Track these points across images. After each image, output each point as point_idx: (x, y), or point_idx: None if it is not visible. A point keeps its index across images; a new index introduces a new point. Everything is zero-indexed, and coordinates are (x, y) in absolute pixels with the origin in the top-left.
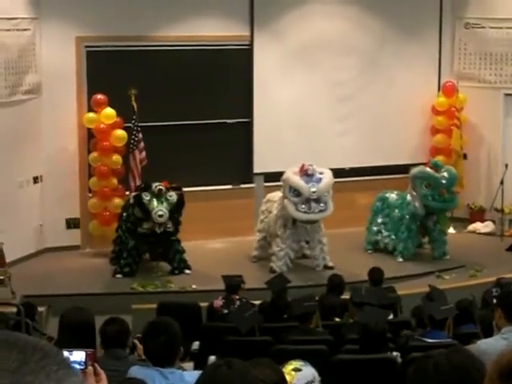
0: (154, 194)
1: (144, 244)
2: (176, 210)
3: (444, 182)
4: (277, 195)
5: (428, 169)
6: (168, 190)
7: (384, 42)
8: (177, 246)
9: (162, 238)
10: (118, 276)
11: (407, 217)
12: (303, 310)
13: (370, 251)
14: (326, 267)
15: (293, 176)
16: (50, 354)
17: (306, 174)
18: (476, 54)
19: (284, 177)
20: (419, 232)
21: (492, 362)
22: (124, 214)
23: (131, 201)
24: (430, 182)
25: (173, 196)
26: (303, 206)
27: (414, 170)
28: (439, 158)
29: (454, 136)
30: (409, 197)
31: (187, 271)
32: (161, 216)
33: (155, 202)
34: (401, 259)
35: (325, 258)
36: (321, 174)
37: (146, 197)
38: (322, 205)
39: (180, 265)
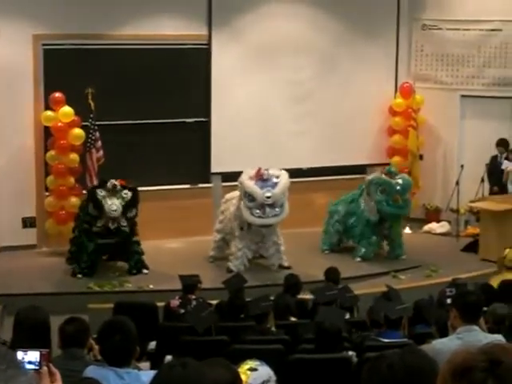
0: (109, 191)
1: (103, 247)
2: (130, 207)
3: (398, 188)
4: (235, 194)
5: (383, 175)
6: (123, 188)
7: (341, 42)
8: (136, 247)
9: (119, 237)
10: (79, 276)
11: (362, 223)
12: (259, 310)
13: (326, 251)
14: (282, 267)
15: (248, 181)
16: None
17: (261, 178)
18: (433, 56)
19: (240, 179)
20: (379, 236)
21: (445, 362)
22: (80, 214)
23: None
24: (385, 187)
25: (127, 194)
26: (258, 211)
27: (369, 177)
28: (396, 159)
29: (411, 137)
30: (363, 204)
31: (145, 271)
32: (114, 210)
33: (108, 198)
34: (359, 259)
35: (281, 258)
36: (277, 177)
37: (101, 193)
38: (277, 209)
39: (137, 265)
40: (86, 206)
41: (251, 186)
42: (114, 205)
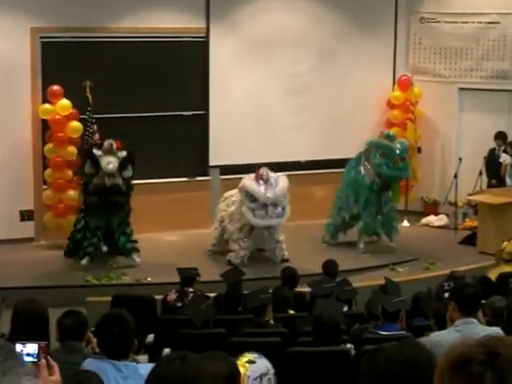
0: (105, 150)
1: (100, 208)
2: (125, 165)
3: (398, 151)
4: (234, 193)
5: (382, 139)
6: (119, 149)
7: (339, 35)
8: (126, 224)
9: (113, 193)
10: (83, 262)
11: (365, 190)
12: (258, 302)
13: (327, 239)
14: (282, 260)
15: (248, 182)
16: None
17: (260, 178)
18: (431, 49)
19: (240, 185)
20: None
21: (443, 354)
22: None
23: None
24: (385, 150)
25: (123, 153)
26: (260, 212)
27: (368, 140)
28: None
29: (409, 130)
30: (363, 170)
31: (136, 259)
32: (109, 163)
33: (105, 156)
34: (359, 233)
35: (283, 253)
36: (276, 179)
37: (98, 152)
38: (279, 209)
39: (128, 246)
40: (82, 165)
41: (252, 185)
42: (110, 161)
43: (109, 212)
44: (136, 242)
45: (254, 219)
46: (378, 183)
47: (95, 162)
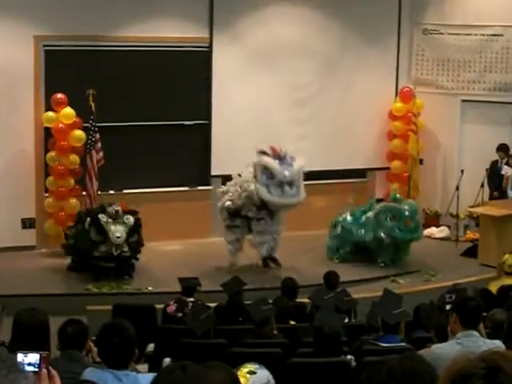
0: (111, 217)
1: (102, 269)
2: (132, 232)
3: (407, 213)
4: (231, 187)
5: (390, 203)
6: (124, 212)
7: (343, 46)
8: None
9: (120, 261)
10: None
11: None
12: (263, 315)
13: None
14: (271, 258)
15: (267, 158)
16: None
17: (278, 156)
18: (434, 60)
19: (256, 161)
20: None
21: (444, 369)
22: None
23: (86, 224)
24: (395, 214)
25: (129, 219)
26: (276, 191)
27: (378, 206)
28: (396, 163)
29: (411, 141)
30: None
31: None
32: (118, 237)
33: (112, 224)
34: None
35: (272, 248)
36: (292, 157)
37: (103, 218)
38: (294, 189)
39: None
40: (86, 230)
41: (271, 161)
42: (118, 232)
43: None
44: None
45: (268, 196)
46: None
47: (102, 231)
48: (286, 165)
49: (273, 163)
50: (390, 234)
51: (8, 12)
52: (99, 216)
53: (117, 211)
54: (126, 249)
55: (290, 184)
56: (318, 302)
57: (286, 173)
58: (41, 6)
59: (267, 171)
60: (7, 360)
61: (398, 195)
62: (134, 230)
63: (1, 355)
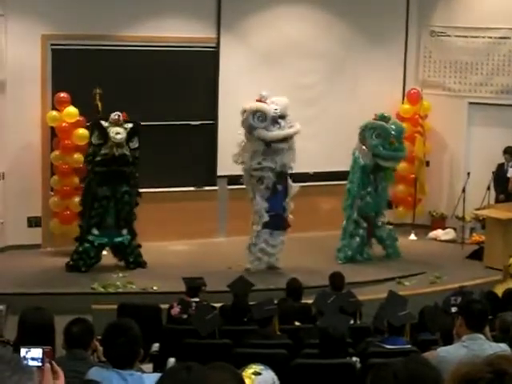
0: (112, 122)
1: (106, 178)
2: (132, 137)
3: (393, 132)
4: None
5: (377, 121)
6: (125, 121)
7: (350, 47)
8: (133, 216)
9: (121, 163)
10: (94, 231)
11: (358, 172)
12: (264, 314)
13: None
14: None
15: (251, 103)
16: (3, 359)
17: (262, 100)
18: (441, 62)
19: (243, 110)
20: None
21: (450, 373)
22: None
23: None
24: (380, 131)
25: (130, 125)
26: (273, 127)
27: (364, 123)
28: (402, 165)
29: (418, 143)
30: (357, 152)
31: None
32: (118, 134)
33: (112, 127)
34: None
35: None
36: (272, 101)
37: (105, 123)
38: (288, 120)
39: (136, 259)
40: (89, 137)
41: (256, 103)
42: (118, 132)
43: (116, 182)
44: (140, 246)
45: (270, 134)
46: (370, 166)
47: (103, 132)
48: (271, 103)
49: (260, 104)
50: (374, 151)
51: (16, 11)
52: (101, 121)
53: (118, 116)
54: (127, 152)
55: (283, 117)
56: (321, 307)
57: (275, 106)
58: (49, 5)
59: (258, 114)
60: (11, 361)
61: (386, 114)
62: (134, 134)
63: (5, 356)
